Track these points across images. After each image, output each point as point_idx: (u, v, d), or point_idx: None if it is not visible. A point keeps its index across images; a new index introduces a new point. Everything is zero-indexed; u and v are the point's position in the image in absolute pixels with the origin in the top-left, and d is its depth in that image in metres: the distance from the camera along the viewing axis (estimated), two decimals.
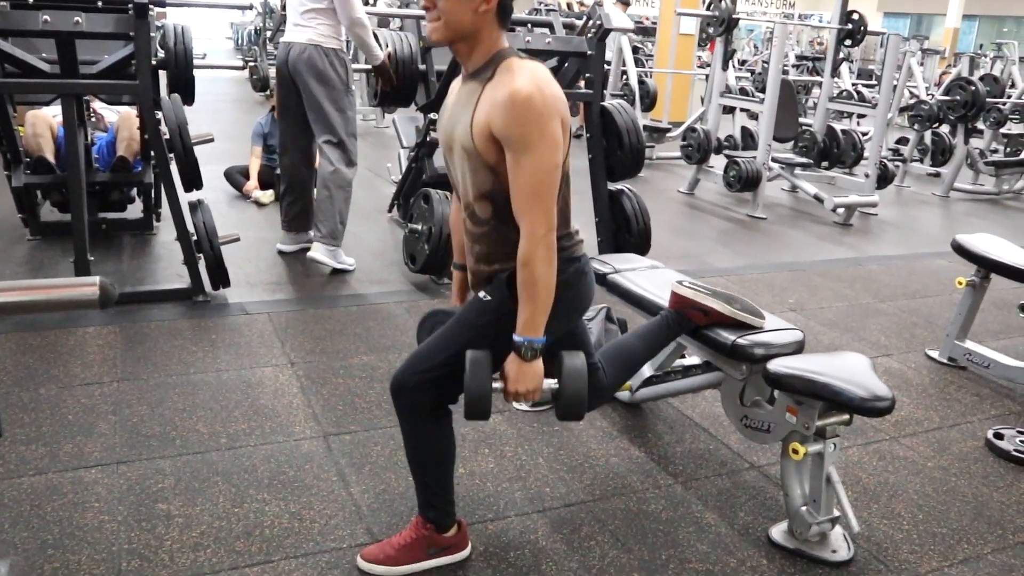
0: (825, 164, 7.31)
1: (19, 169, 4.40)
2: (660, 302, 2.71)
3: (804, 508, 2.32)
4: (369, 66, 4.98)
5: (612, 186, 4.71)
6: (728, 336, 2.46)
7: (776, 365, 2.29)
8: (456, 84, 2.02)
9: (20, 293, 1.23)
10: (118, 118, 4.91)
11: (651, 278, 2.95)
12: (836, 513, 2.32)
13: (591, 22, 4.51)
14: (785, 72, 11.64)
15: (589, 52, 4.47)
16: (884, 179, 7.16)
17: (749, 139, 8.00)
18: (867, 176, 6.80)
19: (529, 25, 4.76)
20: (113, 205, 4.98)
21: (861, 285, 4.88)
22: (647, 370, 3.03)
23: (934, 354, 3.81)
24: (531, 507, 2.46)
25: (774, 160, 6.85)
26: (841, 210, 6.44)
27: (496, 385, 1.94)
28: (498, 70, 1.85)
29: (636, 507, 2.50)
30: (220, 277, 3.96)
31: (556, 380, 1.98)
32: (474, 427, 2.91)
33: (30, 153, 4.52)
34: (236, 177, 6.30)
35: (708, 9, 6.84)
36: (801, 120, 7.88)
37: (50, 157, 4.52)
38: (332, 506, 2.41)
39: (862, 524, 2.47)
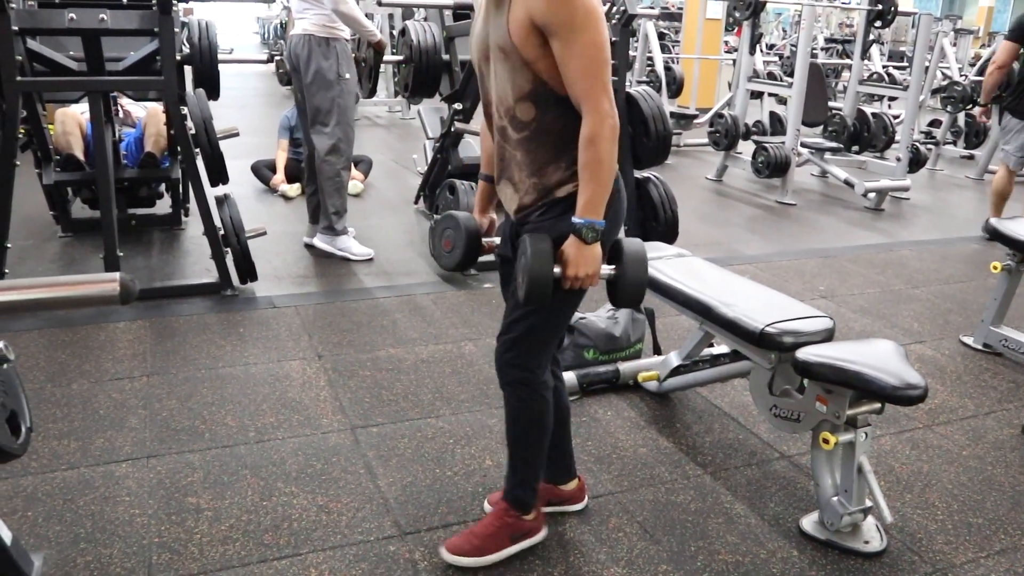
0: (855, 148, 7.20)
1: (49, 167, 4.44)
2: (687, 291, 2.68)
3: (835, 498, 2.29)
4: (400, 58, 4.99)
5: (639, 174, 4.67)
6: (756, 324, 2.42)
7: (805, 353, 2.26)
8: (480, 1, 1.99)
9: (43, 290, 1.24)
10: (145, 114, 4.94)
11: (678, 267, 2.92)
12: (868, 503, 2.29)
13: (615, 8, 4.46)
14: (814, 55, 11.48)
15: (613, 39, 4.42)
16: (916, 163, 7.04)
17: (778, 124, 7.90)
18: (899, 160, 6.69)
19: None
20: (142, 201, 5.03)
21: (893, 271, 4.80)
22: (675, 359, 3.01)
23: (969, 340, 3.74)
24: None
25: (803, 145, 6.76)
26: (872, 195, 6.34)
27: (556, 270, 1.89)
28: None
29: (665, 498, 2.47)
30: (247, 271, 3.98)
31: (614, 266, 1.96)
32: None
33: (60, 151, 4.57)
34: (263, 171, 6.33)
35: None
36: (831, 104, 7.76)
37: (79, 154, 4.56)
38: (359, 499, 2.41)
39: (895, 514, 2.43)
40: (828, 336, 2.44)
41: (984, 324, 3.67)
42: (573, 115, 1.87)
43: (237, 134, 4.01)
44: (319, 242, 4.69)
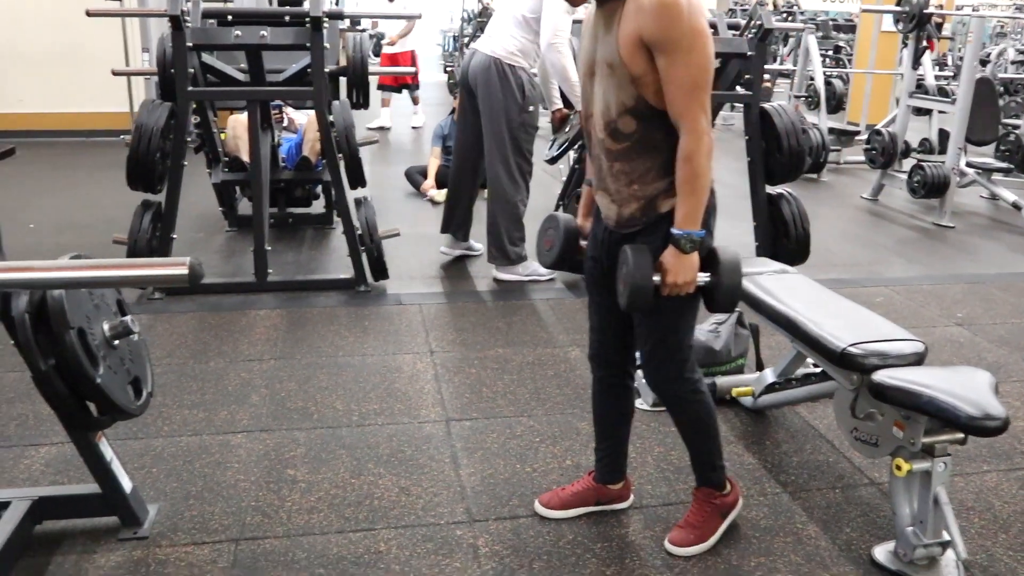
0: None
1: (218, 168, 4.92)
2: (777, 306, 2.66)
3: (910, 529, 2.22)
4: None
5: (772, 190, 4.59)
6: (839, 343, 2.38)
7: (882, 376, 2.21)
8: (589, 18, 2.10)
9: (121, 270, 1.47)
10: (307, 121, 5.36)
11: (776, 283, 2.89)
12: (947, 537, 2.20)
13: (752, 22, 4.42)
14: (1004, 70, 10.70)
15: (749, 53, 4.38)
16: None
17: (947, 143, 7.43)
18: None
19: None
20: (299, 201, 5.46)
21: None
22: (769, 376, 2.98)
23: None
24: (629, 503, 2.50)
25: (969, 165, 6.35)
26: None
27: (655, 279, 2.02)
28: None
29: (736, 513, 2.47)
30: (379, 269, 4.25)
31: (710, 273, 2.05)
32: (591, 422, 2.97)
33: (228, 153, 5.04)
34: (415, 176, 6.66)
35: (898, 4, 6.44)
36: (1009, 122, 7.26)
37: (245, 157, 5.01)
38: (439, 485, 2.57)
39: (983, 554, 2.32)
40: (917, 360, 2.36)
41: None
42: (672, 128, 1.97)
43: (376, 142, 4.29)
44: (502, 275, 4.51)
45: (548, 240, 2.42)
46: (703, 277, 2.04)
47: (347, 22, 5.57)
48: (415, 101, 10.00)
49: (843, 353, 2.36)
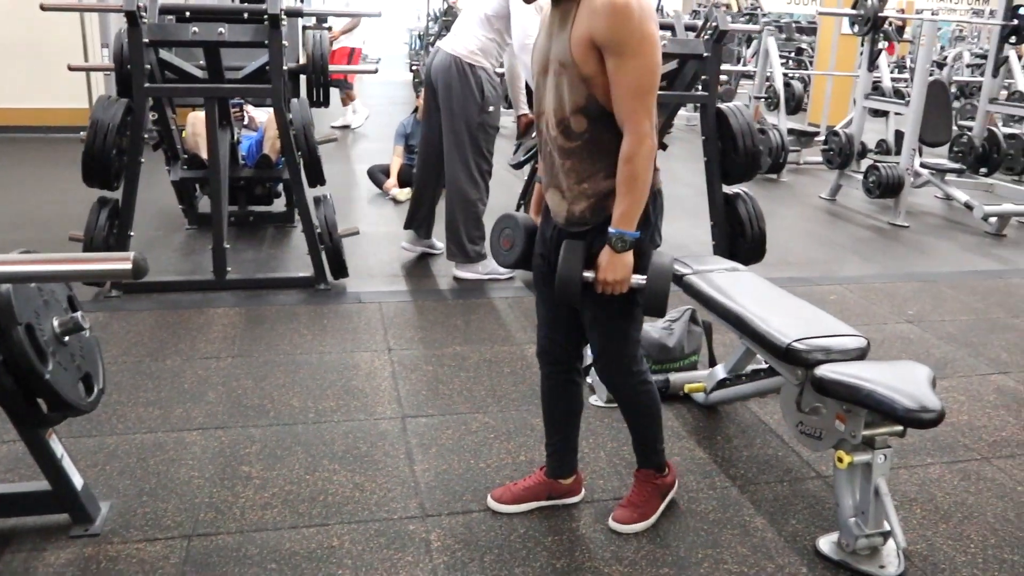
0: (984, 170, 6.84)
1: (177, 165, 4.89)
2: (725, 303, 2.71)
3: (853, 520, 2.27)
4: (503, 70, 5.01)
5: (728, 189, 4.66)
6: (784, 339, 2.43)
7: (824, 370, 2.26)
8: (545, 17, 2.14)
9: (66, 264, 1.47)
10: (267, 119, 5.34)
11: (726, 280, 2.94)
12: (887, 527, 2.26)
13: (708, 23, 4.49)
14: (961, 74, 10.94)
15: (705, 54, 4.44)
16: None
17: (902, 144, 7.58)
18: None
19: None
20: (260, 199, 5.43)
21: (996, 299, 4.57)
22: (721, 372, 3.03)
23: None
24: (580, 497, 2.54)
25: (923, 166, 6.48)
26: (993, 219, 6.00)
27: (588, 275, 2.08)
28: None
29: (685, 506, 2.52)
30: (338, 267, 4.25)
31: (644, 277, 2.10)
32: None
33: (188, 151, 5.01)
34: (378, 175, 6.65)
35: (853, 7, 6.56)
36: (964, 124, 7.41)
37: (204, 155, 4.98)
38: (392, 481, 2.59)
39: (924, 543, 2.39)
40: (860, 355, 2.42)
41: None
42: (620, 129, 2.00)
43: (336, 139, 4.29)
44: (462, 273, 4.54)
45: (507, 240, 2.45)
46: (638, 279, 2.08)
47: (312, 20, 5.58)
48: (351, 98, 9.68)
49: (788, 348, 2.41)
